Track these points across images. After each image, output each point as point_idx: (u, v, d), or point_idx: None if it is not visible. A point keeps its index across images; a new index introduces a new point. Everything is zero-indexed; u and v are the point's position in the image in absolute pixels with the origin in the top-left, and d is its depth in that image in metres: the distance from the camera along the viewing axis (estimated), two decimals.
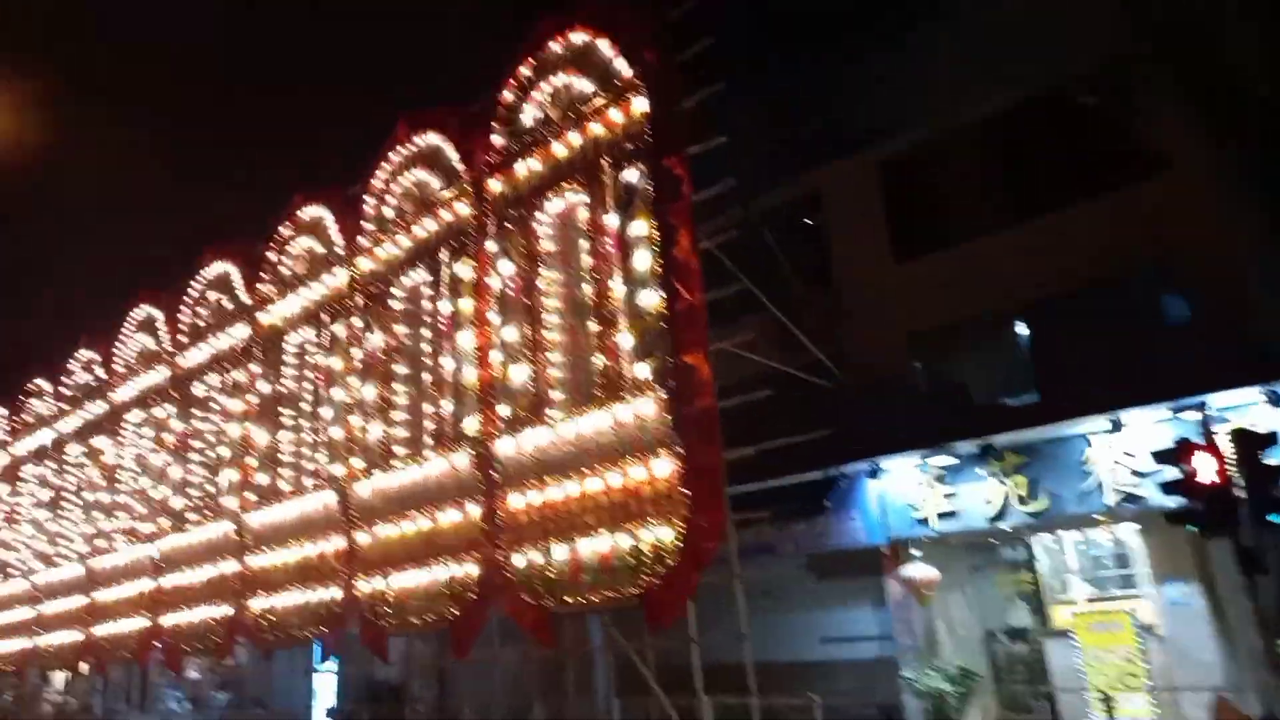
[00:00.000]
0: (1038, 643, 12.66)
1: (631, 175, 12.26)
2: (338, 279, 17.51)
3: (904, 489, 12.40)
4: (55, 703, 27.18)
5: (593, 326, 12.59)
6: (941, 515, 12.12)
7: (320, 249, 18.31)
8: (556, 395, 12.99)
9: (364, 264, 16.99)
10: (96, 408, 24.89)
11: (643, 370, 11.65)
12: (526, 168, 14.03)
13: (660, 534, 11.19)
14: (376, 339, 16.35)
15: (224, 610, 18.53)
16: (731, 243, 12.30)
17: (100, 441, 24.10)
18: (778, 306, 12.72)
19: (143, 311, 23.70)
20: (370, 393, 16.13)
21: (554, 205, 13.54)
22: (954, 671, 11.95)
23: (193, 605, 19.43)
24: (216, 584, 18.89)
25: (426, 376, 15.24)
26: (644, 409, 11.49)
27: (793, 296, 13.61)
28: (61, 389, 26.94)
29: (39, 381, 28.52)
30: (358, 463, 15.99)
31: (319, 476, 17.07)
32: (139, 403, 23.05)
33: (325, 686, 23.37)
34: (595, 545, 11.97)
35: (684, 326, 11.42)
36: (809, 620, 13.67)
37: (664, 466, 11.30)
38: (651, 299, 11.70)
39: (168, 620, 20.22)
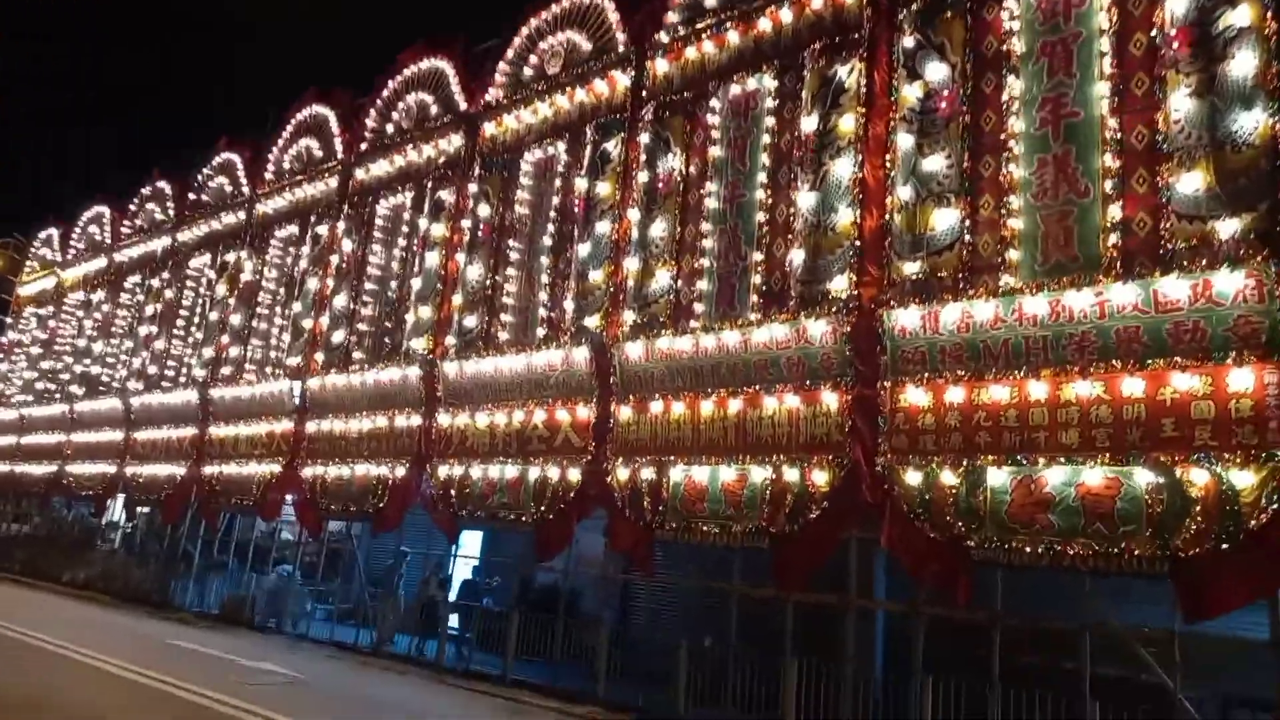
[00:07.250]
0: None
1: None
2: (620, 80, 13.57)
3: None
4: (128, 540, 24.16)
5: (1105, 161, 8.64)
6: None
7: (586, 44, 14.36)
8: (1012, 255, 9.10)
9: (661, 67, 13.07)
10: (232, 218, 21.37)
11: (1227, 227, 7.71)
12: None
13: (1234, 476, 7.38)
14: (672, 161, 12.49)
15: (396, 471, 15.03)
16: None
17: (235, 257, 20.57)
18: None
19: (311, 112, 19.97)
20: (659, 229, 12.33)
21: None
22: None
23: (351, 459, 15.95)
24: (389, 437, 15.33)
25: (759, 216, 11.39)
26: (1224, 285, 7.56)
27: None
28: (190, 194, 23.42)
29: (161, 184, 24.99)
30: (628, 315, 12.27)
31: (555, 327, 13.43)
32: (294, 216, 19.49)
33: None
34: (1077, 474, 8.21)
35: None
36: None
37: (1247, 375, 7.43)
38: (1253, 120, 7.72)
39: (309, 471, 16.84)
